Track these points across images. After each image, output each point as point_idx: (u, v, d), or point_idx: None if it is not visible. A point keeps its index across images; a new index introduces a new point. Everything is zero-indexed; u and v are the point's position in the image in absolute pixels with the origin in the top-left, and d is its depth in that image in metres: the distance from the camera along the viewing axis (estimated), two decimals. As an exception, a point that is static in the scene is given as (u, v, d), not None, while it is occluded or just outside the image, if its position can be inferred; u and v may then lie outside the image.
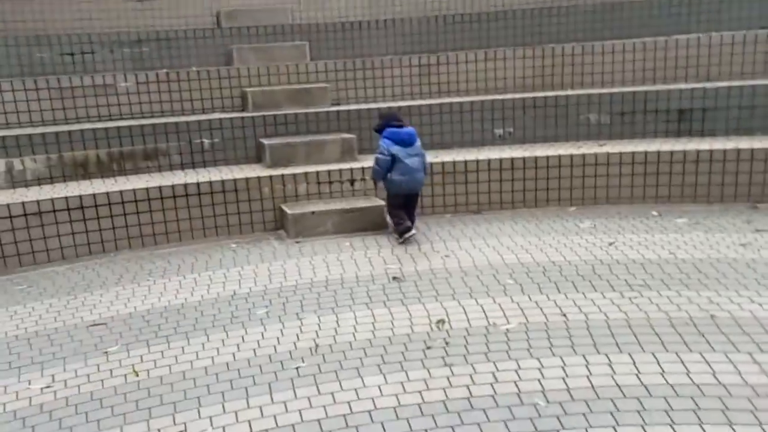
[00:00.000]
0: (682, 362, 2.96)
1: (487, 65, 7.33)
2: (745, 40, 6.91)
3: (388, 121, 5.16)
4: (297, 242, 5.34)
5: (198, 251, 5.27)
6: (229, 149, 6.35)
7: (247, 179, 5.71)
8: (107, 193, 5.31)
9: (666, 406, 2.64)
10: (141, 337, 3.63)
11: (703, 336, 3.20)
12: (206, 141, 6.29)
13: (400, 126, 5.15)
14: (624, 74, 7.26)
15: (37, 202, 5.12)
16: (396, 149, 5.03)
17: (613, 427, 2.54)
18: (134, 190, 5.39)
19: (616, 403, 2.68)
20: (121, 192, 5.36)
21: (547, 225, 5.40)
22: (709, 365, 2.92)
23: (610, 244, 4.80)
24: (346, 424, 2.68)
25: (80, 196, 5.25)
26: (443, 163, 5.92)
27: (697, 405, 2.64)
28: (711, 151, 5.78)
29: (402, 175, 5.05)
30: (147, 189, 5.43)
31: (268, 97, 6.86)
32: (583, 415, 2.62)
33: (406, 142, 5.08)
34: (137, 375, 3.18)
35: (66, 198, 5.19)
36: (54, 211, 5.16)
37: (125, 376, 3.19)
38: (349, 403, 2.82)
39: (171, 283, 4.52)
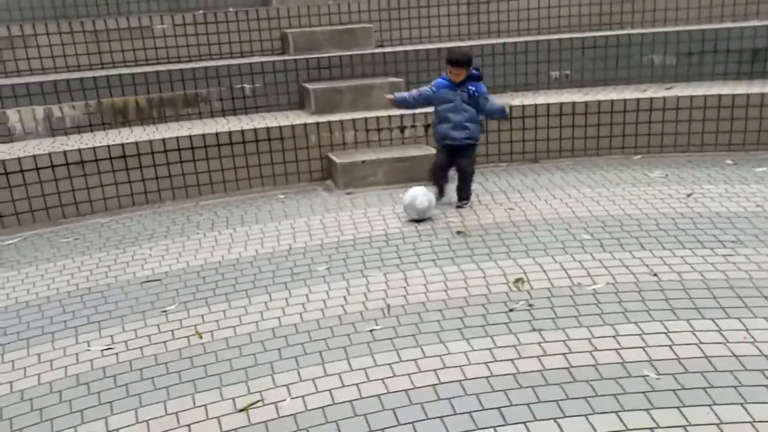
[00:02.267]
0: (805, 330, 2.68)
1: (540, 2, 6.84)
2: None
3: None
4: (348, 193, 5.07)
5: (245, 203, 5.03)
6: (271, 95, 6.04)
7: (293, 126, 5.41)
8: (150, 142, 5.07)
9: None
10: (198, 295, 3.43)
11: (821, 300, 2.90)
12: (247, 86, 5.98)
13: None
14: (689, 11, 6.73)
15: (79, 151, 4.90)
16: None
17: (741, 405, 2.28)
18: (177, 138, 5.13)
19: (737, 376, 2.42)
20: (163, 140, 5.10)
21: (614, 175, 5.05)
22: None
23: (688, 195, 4.45)
24: (437, 395, 2.45)
25: (122, 145, 5.01)
26: (500, 109, 5.54)
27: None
28: (793, 94, 5.32)
29: None
30: (190, 137, 5.17)
31: (309, 39, 6.48)
32: (704, 390, 2.36)
33: None
34: (201, 337, 2.98)
35: (108, 147, 4.96)
36: (96, 160, 4.94)
37: (188, 338, 2.99)
38: (435, 372, 2.59)
39: (222, 236, 4.30)
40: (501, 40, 6.45)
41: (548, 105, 5.61)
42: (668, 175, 4.93)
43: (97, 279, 3.73)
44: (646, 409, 2.31)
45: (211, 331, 3.03)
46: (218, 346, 2.90)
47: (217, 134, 5.23)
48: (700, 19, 6.64)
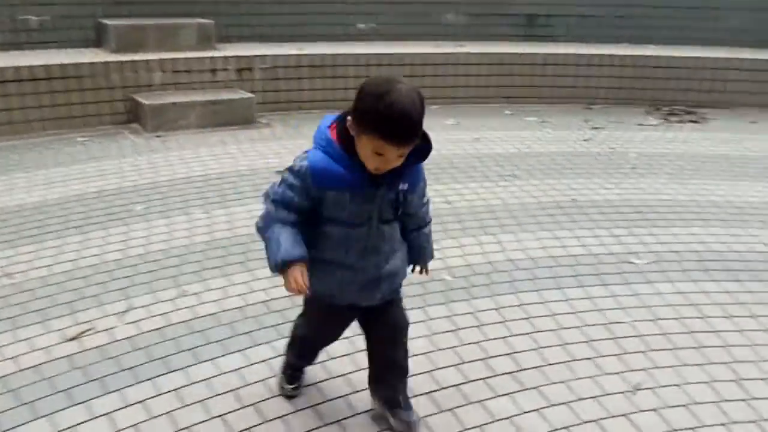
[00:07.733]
0: (557, 238, 3.39)
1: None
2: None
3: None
4: (158, 136, 4.95)
5: (39, 146, 4.69)
6: (61, 29, 5.59)
7: (92, 64, 5.09)
8: None
9: (573, 272, 3.08)
10: (1, 238, 3.21)
11: (572, 217, 3.66)
12: (33, 18, 5.46)
13: None
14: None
15: None
16: None
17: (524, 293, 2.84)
18: (-48, 72, 4.57)
19: (514, 275, 3.01)
20: (-65, 73, 4.51)
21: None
22: (579, 240, 3.39)
23: (476, 139, 5.09)
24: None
25: None
26: (309, 56, 5.74)
27: (598, 270, 3.12)
28: (556, 55, 6.26)
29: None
30: (-32, 72, 4.63)
31: (105, -29, 6.03)
32: (509, 283, 2.96)
33: None
34: (10, 278, 2.84)
35: None
36: None
37: (-2, 279, 2.83)
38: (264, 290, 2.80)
39: (17, 180, 4.00)
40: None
41: (356, 55, 5.90)
42: (460, 123, 5.56)
43: None
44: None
45: (24, 271, 2.89)
46: (34, 284, 2.79)
47: (0, 69, 4.74)
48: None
